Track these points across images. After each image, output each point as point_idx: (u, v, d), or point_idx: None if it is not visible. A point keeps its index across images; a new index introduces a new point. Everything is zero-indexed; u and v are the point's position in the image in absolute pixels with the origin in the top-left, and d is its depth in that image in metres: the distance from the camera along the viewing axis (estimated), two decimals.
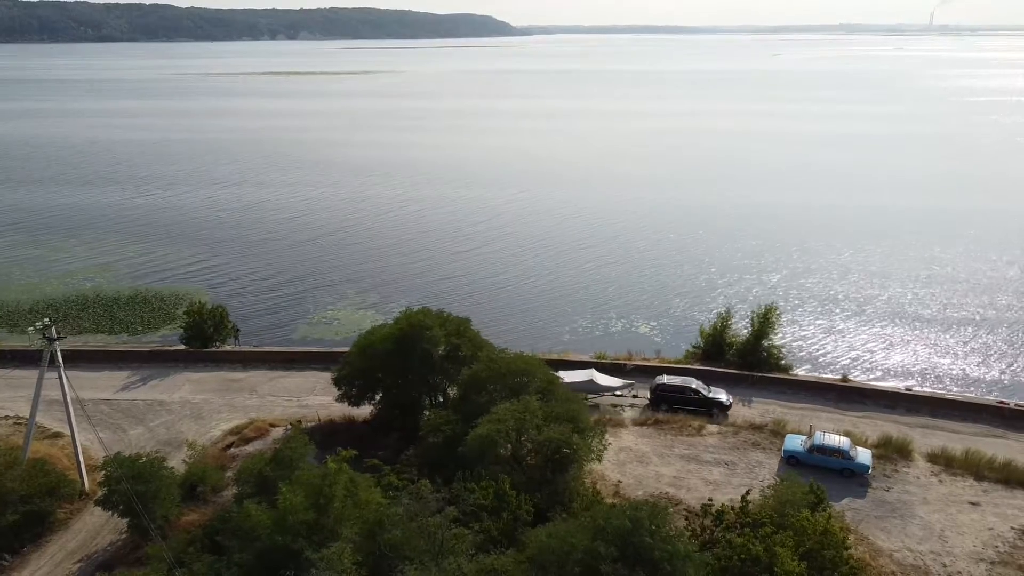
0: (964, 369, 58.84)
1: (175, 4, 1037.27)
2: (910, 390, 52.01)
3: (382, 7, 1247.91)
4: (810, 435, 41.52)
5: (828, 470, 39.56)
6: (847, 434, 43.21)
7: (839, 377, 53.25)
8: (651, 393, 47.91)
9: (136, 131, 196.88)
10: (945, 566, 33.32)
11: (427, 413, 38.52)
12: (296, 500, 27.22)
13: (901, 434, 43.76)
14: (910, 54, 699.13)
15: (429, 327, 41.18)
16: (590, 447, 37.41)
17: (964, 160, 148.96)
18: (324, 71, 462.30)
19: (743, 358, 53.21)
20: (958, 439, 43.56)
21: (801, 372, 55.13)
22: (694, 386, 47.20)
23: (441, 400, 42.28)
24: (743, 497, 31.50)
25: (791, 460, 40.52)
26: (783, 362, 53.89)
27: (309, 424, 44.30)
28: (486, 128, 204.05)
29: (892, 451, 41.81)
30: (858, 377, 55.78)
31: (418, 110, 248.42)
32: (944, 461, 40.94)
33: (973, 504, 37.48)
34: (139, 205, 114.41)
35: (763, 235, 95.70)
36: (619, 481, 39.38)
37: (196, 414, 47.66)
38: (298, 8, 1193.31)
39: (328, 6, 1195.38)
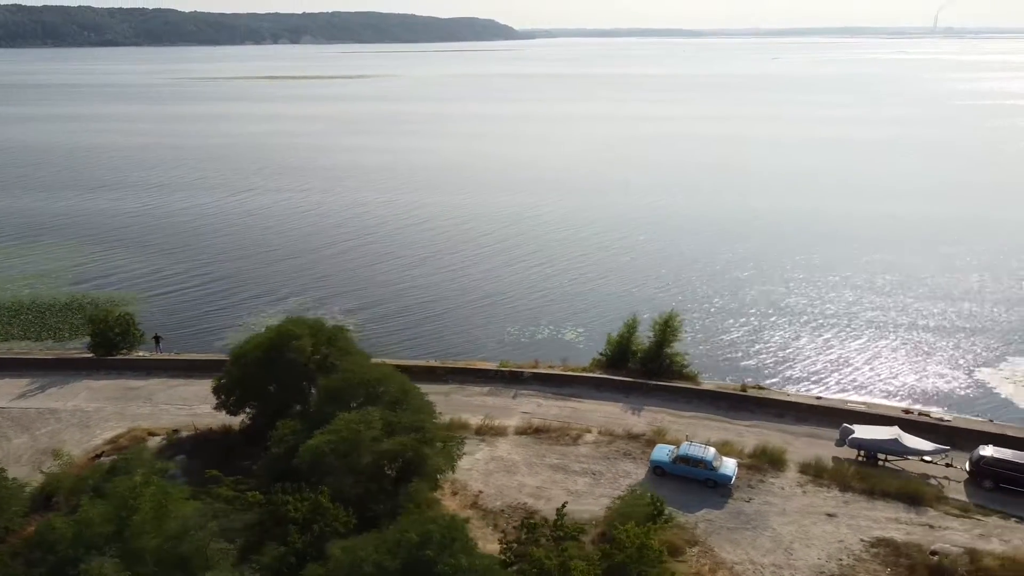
0: (878, 377, 58.35)
1: (178, 8, 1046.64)
2: (820, 399, 51.76)
3: (385, 11, 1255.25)
4: (679, 446, 41.30)
5: (693, 480, 39.38)
6: (727, 444, 43.15)
7: (739, 385, 52.88)
8: (971, 465, 39.75)
9: (109, 136, 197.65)
10: None
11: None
12: (94, 512, 27.20)
13: (783, 443, 43.57)
14: (913, 57, 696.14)
15: (298, 336, 41.18)
16: (451, 455, 37.52)
17: (956, 162, 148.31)
18: (322, 75, 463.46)
19: (645, 365, 52.98)
20: (840, 449, 43.18)
21: (706, 380, 54.66)
22: None
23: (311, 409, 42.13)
24: (558, 510, 31.28)
25: (657, 470, 40.28)
26: (687, 370, 53.56)
27: (185, 433, 44.33)
28: (460, 133, 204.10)
29: (765, 461, 41.54)
30: (768, 384, 55.30)
31: (408, 114, 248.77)
32: (814, 471, 40.62)
33: (829, 515, 37.10)
34: (91, 211, 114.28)
35: (703, 242, 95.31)
36: (480, 491, 39.21)
37: (84, 422, 47.64)
38: (301, 12, 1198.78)
39: (331, 10, 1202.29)
